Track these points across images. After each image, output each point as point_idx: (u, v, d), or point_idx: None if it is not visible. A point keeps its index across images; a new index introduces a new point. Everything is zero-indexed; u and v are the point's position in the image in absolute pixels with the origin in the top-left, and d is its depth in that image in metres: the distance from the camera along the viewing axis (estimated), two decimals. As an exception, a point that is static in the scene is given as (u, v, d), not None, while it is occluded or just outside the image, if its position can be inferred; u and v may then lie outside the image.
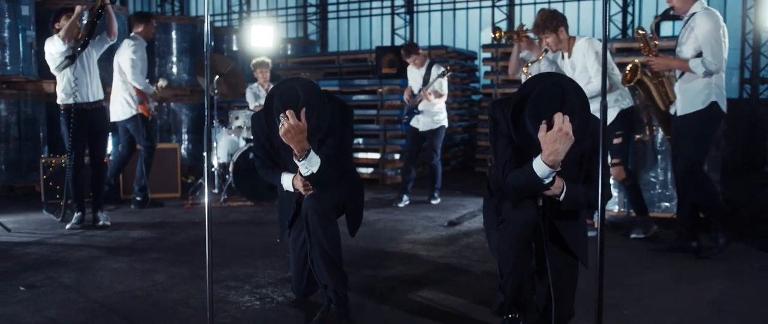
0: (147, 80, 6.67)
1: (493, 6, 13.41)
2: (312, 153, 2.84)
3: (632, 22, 12.45)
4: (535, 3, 13.26)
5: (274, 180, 3.14)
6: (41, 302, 3.43)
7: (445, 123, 6.94)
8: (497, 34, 5.74)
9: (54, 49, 5.48)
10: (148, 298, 3.51)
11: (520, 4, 13.34)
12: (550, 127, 2.49)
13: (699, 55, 4.21)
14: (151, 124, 6.96)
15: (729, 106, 4.47)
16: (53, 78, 8.26)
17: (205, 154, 2.73)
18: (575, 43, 4.90)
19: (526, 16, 13.06)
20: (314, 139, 2.90)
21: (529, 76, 3.26)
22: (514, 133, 2.65)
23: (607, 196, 2.46)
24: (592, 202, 2.68)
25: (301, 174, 2.92)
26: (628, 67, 4.69)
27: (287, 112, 2.73)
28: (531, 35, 5.41)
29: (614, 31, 12.37)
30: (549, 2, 13.13)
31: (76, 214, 5.61)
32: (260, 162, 3.20)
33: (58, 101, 5.60)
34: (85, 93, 5.54)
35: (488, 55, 9.87)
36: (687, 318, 3.15)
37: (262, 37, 8.89)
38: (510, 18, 13.44)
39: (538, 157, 2.52)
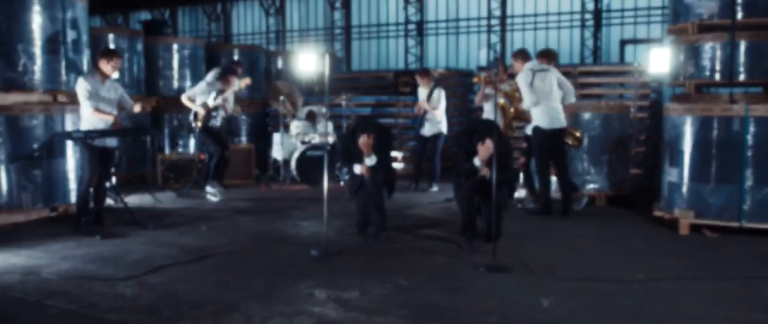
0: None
1: (489, 31, 16.33)
2: (373, 155, 5.84)
3: (600, 47, 15.33)
4: (523, 29, 16.19)
5: (350, 166, 6.12)
6: (219, 231, 6.38)
7: (445, 130, 9.78)
8: (476, 80, 8.71)
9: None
10: (275, 232, 6.46)
11: (512, 30, 16.25)
12: (482, 143, 5.44)
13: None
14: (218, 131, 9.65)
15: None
16: (156, 96, 11.25)
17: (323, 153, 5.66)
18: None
19: (517, 38, 16.01)
20: (374, 148, 5.88)
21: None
22: (467, 146, 5.61)
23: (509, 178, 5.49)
24: (504, 180, 5.64)
25: (366, 164, 5.90)
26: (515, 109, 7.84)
27: (364, 134, 5.72)
28: (506, 87, 8.33)
29: (587, 55, 15.30)
30: (535, 28, 16.04)
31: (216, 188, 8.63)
32: (342, 157, 6.20)
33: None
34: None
35: (483, 74, 12.77)
36: (572, 245, 6.05)
37: (307, 62, 11.60)
38: (502, 40, 16.33)
39: (476, 157, 5.48)
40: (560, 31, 15.74)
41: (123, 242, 5.93)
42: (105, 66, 6.59)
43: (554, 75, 7.50)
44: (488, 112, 8.59)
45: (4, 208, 6.72)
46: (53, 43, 7.12)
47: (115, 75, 6.87)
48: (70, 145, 7.08)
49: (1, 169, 6.74)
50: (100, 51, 6.77)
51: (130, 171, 10.74)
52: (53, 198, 7.04)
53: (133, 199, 8.21)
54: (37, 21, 6.99)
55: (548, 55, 7.68)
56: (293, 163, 9.93)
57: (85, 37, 7.60)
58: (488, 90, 8.77)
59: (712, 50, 7.96)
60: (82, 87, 6.47)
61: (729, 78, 7.93)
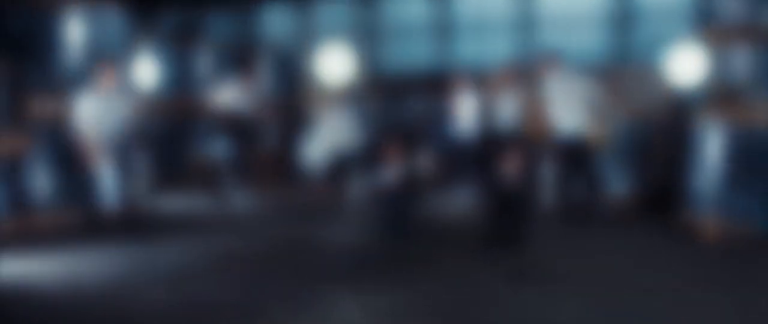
0: None
1: (515, 31, 16.35)
2: (399, 162, 5.96)
3: (628, 48, 15.24)
4: (550, 28, 16.16)
5: (376, 172, 6.23)
6: (246, 237, 6.54)
7: (472, 134, 9.82)
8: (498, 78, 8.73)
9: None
10: (302, 236, 6.59)
11: (540, 30, 16.21)
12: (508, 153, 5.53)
13: None
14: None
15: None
16: (188, 99, 11.43)
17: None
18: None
19: (544, 39, 15.94)
20: (401, 155, 6.02)
21: None
22: (492, 154, 5.72)
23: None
24: (527, 188, 5.72)
25: (392, 171, 6.02)
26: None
27: (390, 141, 5.86)
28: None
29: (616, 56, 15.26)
30: (562, 28, 15.98)
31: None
32: (369, 163, 6.32)
33: None
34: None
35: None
36: (595, 251, 6.06)
37: (335, 63, 11.74)
38: (529, 40, 16.31)
39: (500, 165, 5.56)
40: (588, 31, 15.66)
41: (153, 247, 6.10)
42: (104, 78, 6.75)
43: (577, 81, 7.53)
44: (506, 111, 8.67)
45: (38, 213, 6.92)
46: (89, 50, 7.31)
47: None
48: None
49: (36, 174, 6.94)
50: (100, 62, 6.89)
51: (165, 170, 10.88)
52: (86, 202, 7.22)
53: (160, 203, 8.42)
54: (73, 29, 7.20)
55: (560, 60, 7.66)
56: (321, 167, 10.06)
57: (121, 43, 7.79)
58: (505, 89, 8.81)
59: (740, 55, 7.88)
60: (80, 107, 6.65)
61: (759, 83, 7.85)
